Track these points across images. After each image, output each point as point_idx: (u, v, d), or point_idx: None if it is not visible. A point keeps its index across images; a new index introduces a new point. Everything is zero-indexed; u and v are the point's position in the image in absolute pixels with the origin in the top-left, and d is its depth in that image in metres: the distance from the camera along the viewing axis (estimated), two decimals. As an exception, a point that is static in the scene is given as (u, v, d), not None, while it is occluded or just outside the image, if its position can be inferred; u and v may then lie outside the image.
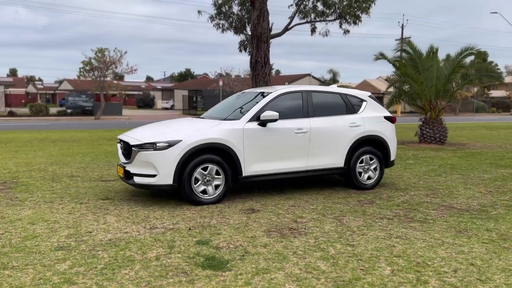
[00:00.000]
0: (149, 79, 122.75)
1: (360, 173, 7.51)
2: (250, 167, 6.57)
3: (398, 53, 16.31)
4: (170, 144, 6.10)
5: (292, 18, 14.85)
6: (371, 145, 7.59)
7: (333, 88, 7.78)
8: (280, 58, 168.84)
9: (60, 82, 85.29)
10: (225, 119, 6.81)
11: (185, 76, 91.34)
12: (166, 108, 58.32)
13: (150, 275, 3.88)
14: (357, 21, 15.23)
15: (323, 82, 57.08)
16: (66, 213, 5.87)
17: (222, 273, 3.95)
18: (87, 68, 34.09)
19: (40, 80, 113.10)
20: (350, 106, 7.53)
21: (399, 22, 70.75)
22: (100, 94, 35.31)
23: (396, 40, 14.76)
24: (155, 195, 6.92)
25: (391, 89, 17.09)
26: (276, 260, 4.26)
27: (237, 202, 6.54)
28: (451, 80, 15.92)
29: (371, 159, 7.58)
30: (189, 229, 5.21)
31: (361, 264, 4.18)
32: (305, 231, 5.18)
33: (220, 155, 6.40)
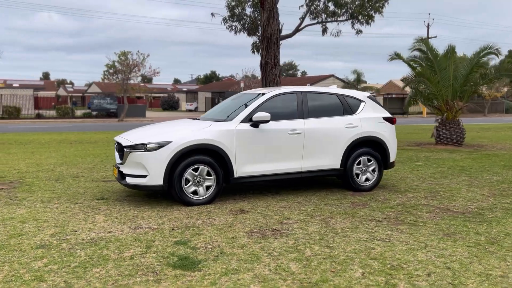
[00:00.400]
0: (176, 81, 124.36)
1: (357, 175, 7.41)
2: (242, 168, 6.58)
3: (415, 52, 15.99)
4: (161, 145, 6.17)
5: (303, 19, 14.79)
6: (369, 146, 7.49)
7: (330, 89, 7.70)
8: (308, 59, 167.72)
9: (89, 85, 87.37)
10: (218, 120, 6.84)
11: (210, 78, 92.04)
12: (190, 110, 58.88)
13: (120, 274, 3.93)
14: (370, 21, 15.04)
15: (347, 83, 56.52)
16: (59, 212, 6.00)
17: (191, 273, 3.97)
18: (111, 71, 34.73)
19: (71, 83, 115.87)
20: (347, 107, 7.45)
21: (424, 21, 69.30)
22: (124, 96, 35.93)
23: (421, 39, 14.38)
24: (150, 196, 7.01)
25: (406, 89, 16.79)
26: (249, 261, 4.26)
27: (229, 203, 6.56)
28: (469, 80, 15.54)
29: (369, 160, 7.48)
30: (172, 229, 5.26)
31: (333, 266, 4.14)
32: (288, 232, 5.15)
33: (211, 156, 6.43)
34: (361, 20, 14.98)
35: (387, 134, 7.59)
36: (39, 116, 37.93)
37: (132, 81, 36.04)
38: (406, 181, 8.49)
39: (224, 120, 6.76)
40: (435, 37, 49.61)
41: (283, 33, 14.52)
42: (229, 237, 4.98)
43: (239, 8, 16.15)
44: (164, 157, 6.14)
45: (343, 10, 14.48)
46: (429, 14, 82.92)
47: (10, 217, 5.75)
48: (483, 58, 15.51)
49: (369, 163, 7.48)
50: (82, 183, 8.07)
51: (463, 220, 5.75)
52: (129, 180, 6.34)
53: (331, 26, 15.30)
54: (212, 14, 15.94)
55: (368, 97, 7.78)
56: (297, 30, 14.83)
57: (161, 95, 70.10)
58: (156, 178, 6.16)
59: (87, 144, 15.64)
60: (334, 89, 7.67)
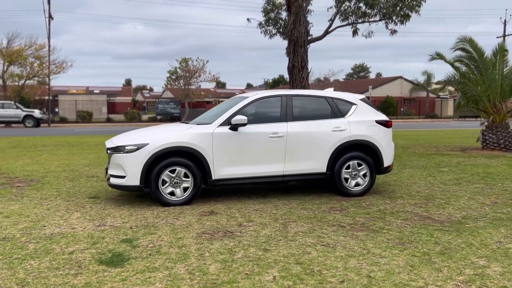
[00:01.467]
0: (249, 86, 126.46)
1: (346, 179, 7.23)
2: (220, 171, 6.68)
3: (458, 52, 15.11)
4: (138, 147, 6.45)
5: (332, 21, 14.53)
6: (359, 150, 7.27)
7: (319, 92, 7.58)
8: (387, 60, 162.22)
9: (164, 91, 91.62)
10: (202, 124, 7.01)
11: (278, 82, 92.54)
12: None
13: (48, 267, 4.20)
14: (404, 20, 14.40)
15: (416, 85, 54.40)
16: (45, 209, 6.47)
17: (112, 269, 4.16)
18: (173, 77, 36.17)
19: (150, 89, 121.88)
20: (336, 110, 7.29)
21: (501, 18, 64.55)
22: (185, 101, 37.26)
23: (465, 38, 13.53)
24: (140, 196, 7.30)
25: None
26: (175, 260, 4.37)
27: (206, 204, 6.69)
28: (521, 80, 14.41)
29: (359, 165, 7.26)
30: (130, 227, 5.50)
31: (252, 269, 4.13)
32: (238, 235, 5.19)
33: (188, 158, 6.60)
34: (395, 20, 14.42)
35: (380, 138, 7.32)
36: (109, 120, 40.39)
37: (193, 87, 37.23)
38: (410, 187, 8.11)
39: (205, 124, 6.92)
40: (512, 34, 46.29)
41: (315, 35, 14.39)
42: (177, 237, 5.11)
43: (274, 12, 16.26)
44: (140, 158, 6.41)
45: (375, 11, 14.03)
46: (506, 10, 76.32)
47: None
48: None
49: (359, 168, 7.26)
50: (90, 183, 8.59)
51: (434, 229, 5.44)
52: (112, 180, 6.69)
53: (362, 27, 14.87)
54: (248, 19, 16.21)
55: (362, 99, 7.56)
56: (327, 32, 14.58)
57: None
58: (133, 178, 6.45)
59: (130, 146, 16.43)
60: (323, 92, 7.55)
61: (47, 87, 40.01)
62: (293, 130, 6.95)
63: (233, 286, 3.78)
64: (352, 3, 14.12)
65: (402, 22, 14.32)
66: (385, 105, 52.77)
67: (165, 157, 6.52)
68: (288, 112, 7.06)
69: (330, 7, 14.67)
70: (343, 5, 14.09)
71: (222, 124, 6.76)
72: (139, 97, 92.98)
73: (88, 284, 3.83)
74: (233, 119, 6.68)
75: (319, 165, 7.07)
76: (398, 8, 13.95)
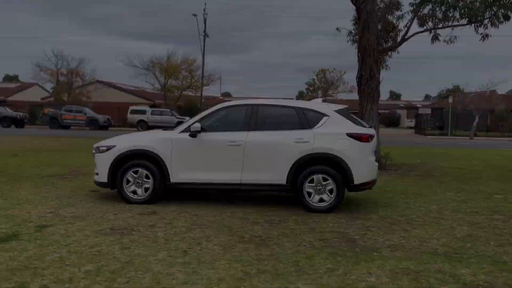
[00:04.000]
0: (427, 97, 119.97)
1: (310, 194, 6.87)
2: (178, 175, 7.04)
3: None
4: (108, 149, 7.24)
5: (408, 27, 13.25)
6: (325, 164, 6.84)
7: (290, 102, 7.35)
8: None
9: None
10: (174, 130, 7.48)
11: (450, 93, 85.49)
12: (410, 127, 56.61)
13: (-46, 239, 5.21)
14: (498, 22, 12.28)
15: None
16: (41, 196, 7.62)
17: (-11, 245, 4.96)
18: (311, 88, 36.79)
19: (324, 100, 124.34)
20: (304, 121, 6.98)
21: None
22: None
23: None
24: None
25: None
26: (39, 246, 4.93)
27: (162, 205, 7.05)
28: None
29: (324, 179, 6.82)
30: (65, 217, 6.27)
31: (78, 262, 4.49)
32: (132, 234, 5.50)
33: (150, 161, 7.12)
34: (486, 24, 12.38)
35: (349, 152, 6.76)
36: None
37: (330, 97, 37.28)
38: (402, 211, 7.23)
39: (172, 130, 7.37)
40: None
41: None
42: (80, 229, 5.66)
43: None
44: (107, 159, 7.16)
45: (462, 12, 12.19)
46: None
47: (10, 193, 7.72)
48: None
49: (324, 183, 6.82)
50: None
51: (326, 252, 4.99)
52: (94, 177, 7.60)
53: (443, 33, 13.09)
54: (337, 28, 15.81)
55: (338, 111, 7.08)
56: (403, 39, 13.36)
57: (384, 111, 69.13)
58: (102, 176, 7.24)
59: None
60: (294, 102, 7.31)
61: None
62: (252, 140, 6.92)
63: (37, 271, 4.21)
64: (431, 7, 12.59)
65: (494, 24, 12.31)
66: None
67: (130, 159, 7.16)
68: (251, 122, 7.05)
69: (405, 12, 13.46)
70: (421, 10, 12.69)
71: (184, 131, 7.12)
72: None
73: (-47, 254, 4.68)
74: (192, 126, 7.00)
75: (278, 176, 6.89)
76: (493, 11, 12.02)
